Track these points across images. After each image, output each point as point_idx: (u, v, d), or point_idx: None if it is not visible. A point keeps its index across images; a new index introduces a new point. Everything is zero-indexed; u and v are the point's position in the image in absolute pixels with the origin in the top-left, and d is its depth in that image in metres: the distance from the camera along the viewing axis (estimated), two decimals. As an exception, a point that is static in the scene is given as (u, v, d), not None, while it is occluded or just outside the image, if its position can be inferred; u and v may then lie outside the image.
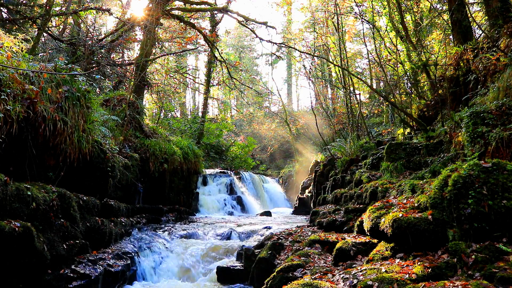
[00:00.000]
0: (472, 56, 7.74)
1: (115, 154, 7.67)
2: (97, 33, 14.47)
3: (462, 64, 8.05)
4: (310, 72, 20.15)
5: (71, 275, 4.62)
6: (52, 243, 4.56)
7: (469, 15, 9.03)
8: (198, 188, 14.33)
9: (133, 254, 6.10)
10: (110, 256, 5.58)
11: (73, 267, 4.77)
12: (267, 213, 13.55)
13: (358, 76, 18.19)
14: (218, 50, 15.20)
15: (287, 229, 7.74)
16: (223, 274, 5.87)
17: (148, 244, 6.81)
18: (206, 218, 11.44)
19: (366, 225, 4.75)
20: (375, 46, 13.47)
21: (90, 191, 6.26)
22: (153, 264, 6.29)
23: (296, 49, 18.20)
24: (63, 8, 13.42)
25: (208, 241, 7.58)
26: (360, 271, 3.73)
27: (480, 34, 8.71)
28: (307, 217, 11.38)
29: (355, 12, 16.46)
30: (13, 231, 3.84)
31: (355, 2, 14.37)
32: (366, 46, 15.20)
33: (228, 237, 7.94)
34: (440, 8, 12.27)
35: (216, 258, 6.68)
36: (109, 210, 6.90)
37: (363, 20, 14.09)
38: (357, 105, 14.89)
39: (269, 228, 8.59)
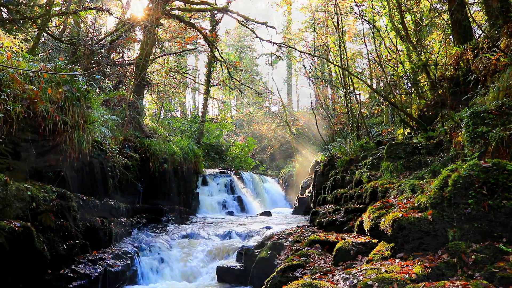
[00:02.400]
0: (472, 56, 7.73)
1: (115, 154, 7.68)
2: (97, 33, 14.47)
3: (462, 64, 8.05)
4: (310, 72, 20.12)
5: (71, 275, 4.62)
6: (52, 243, 4.56)
7: (469, 15, 9.03)
8: (198, 188, 14.31)
9: (133, 254, 6.10)
10: (110, 256, 5.58)
11: (73, 267, 4.78)
12: (267, 213, 13.53)
13: (358, 76, 18.18)
14: (218, 50, 15.20)
15: (287, 229, 7.73)
16: (223, 274, 5.88)
17: (148, 244, 6.81)
18: (206, 218, 11.44)
19: (366, 225, 4.75)
20: (375, 46, 13.45)
21: (90, 191, 6.26)
22: (153, 264, 6.28)
23: (296, 49, 18.21)
24: (63, 8, 13.41)
25: (208, 241, 7.58)
26: (360, 271, 3.73)
27: (480, 34, 8.70)
28: (307, 217, 11.36)
29: (355, 12, 16.45)
30: (13, 231, 3.84)
31: (355, 2, 14.36)
32: (366, 46, 15.14)
33: (228, 237, 7.94)
34: (440, 8, 12.27)
35: (216, 258, 6.69)
36: (109, 210, 6.90)
37: (363, 20, 14.06)
38: (357, 105, 14.87)
39: (269, 228, 8.58)
